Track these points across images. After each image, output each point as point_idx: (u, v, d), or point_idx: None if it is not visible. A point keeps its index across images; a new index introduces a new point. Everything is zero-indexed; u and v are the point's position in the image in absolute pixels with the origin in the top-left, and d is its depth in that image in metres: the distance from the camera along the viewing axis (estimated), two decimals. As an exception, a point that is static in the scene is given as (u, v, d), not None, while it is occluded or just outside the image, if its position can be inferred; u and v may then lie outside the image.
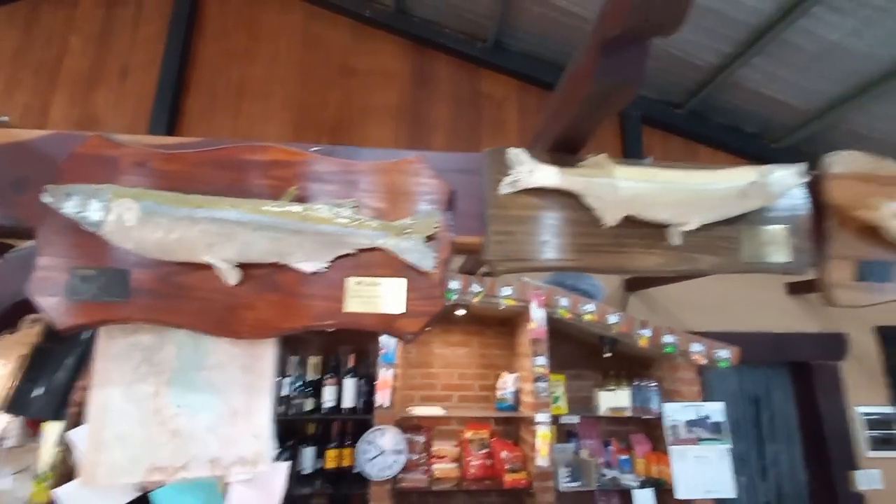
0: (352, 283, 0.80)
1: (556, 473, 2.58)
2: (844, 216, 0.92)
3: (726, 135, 3.77)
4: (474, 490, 2.76)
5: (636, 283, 3.39)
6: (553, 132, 0.89)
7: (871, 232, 0.92)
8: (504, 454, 2.72)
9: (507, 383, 3.00)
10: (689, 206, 0.86)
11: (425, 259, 0.80)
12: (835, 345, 3.43)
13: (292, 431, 2.74)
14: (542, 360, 2.69)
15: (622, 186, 0.87)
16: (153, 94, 3.51)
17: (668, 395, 2.88)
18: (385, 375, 2.56)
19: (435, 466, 2.76)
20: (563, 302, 2.72)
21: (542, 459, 2.50)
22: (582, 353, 3.21)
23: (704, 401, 3.22)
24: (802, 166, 0.91)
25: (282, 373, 2.73)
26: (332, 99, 3.66)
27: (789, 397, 3.50)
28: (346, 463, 2.59)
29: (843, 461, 3.23)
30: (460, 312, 2.95)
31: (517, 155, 0.89)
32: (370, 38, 3.82)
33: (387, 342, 2.60)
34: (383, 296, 0.80)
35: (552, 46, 3.65)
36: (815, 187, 0.95)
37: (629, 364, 3.16)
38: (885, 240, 0.91)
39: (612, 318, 2.70)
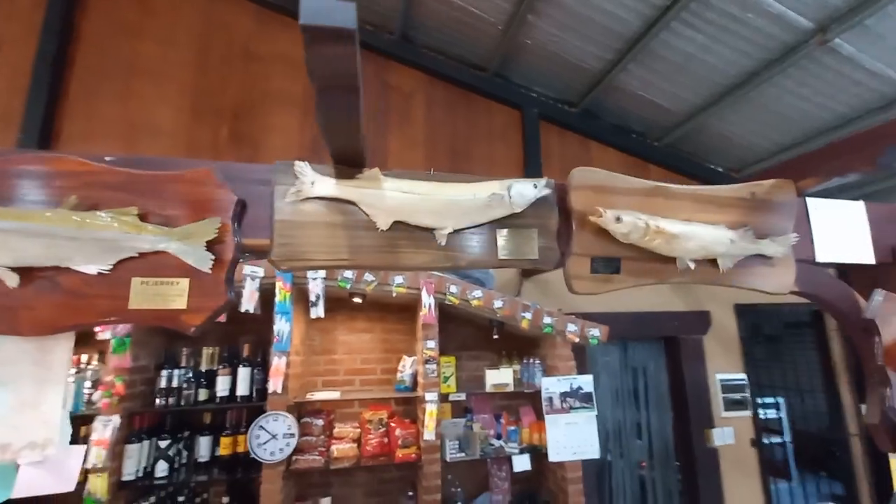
0: (137, 282, 0.91)
1: (443, 446, 2.81)
2: (582, 221, 1.13)
3: (615, 134, 4.11)
4: (371, 466, 2.94)
5: (531, 270, 3.68)
6: (330, 147, 1.02)
7: (604, 233, 1.14)
8: (398, 432, 2.91)
9: (405, 366, 3.18)
10: (444, 213, 1.04)
11: (203, 261, 0.91)
12: (699, 321, 3.92)
13: (187, 422, 2.78)
14: (431, 344, 2.89)
15: (389, 196, 1.02)
16: (30, 70, 3.29)
17: (549, 371, 3.19)
18: (278, 363, 2.65)
19: (334, 447, 2.90)
20: (453, 289, 2.92)
21: (428, 434, 2.72)
22: (480, 336, 3.46)
23: (589, 373, 3.59)
24: (542, 180, 1.11)
25: (173, 365, 2.74)
26: (234, 85, 3.61)
27: (662, 368, 3.96)
28: (241, 449, 2.67)
29: (702, 421, 3.73)
30: (357, 300, 3.08)
31: (301, 168, 1.01)
32: (275, 24, 3.77)
33: (280, 331, 2.69)
34: (166, 294, 0.91)
35: (456, 43, 3.80)
36: (562, 196, 1.16)
37: (521, 344, 3.45)
38: (614, 240, 1.14)
39: (498, 303, 2.94)
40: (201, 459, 2.70)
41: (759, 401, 4.29)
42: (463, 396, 2.94)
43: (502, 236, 1.10)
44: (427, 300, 2.87)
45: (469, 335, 3.43)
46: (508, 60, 3.78)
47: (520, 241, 1.12)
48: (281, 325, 2.69)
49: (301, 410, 2.99)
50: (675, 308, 3.91)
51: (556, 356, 3.12)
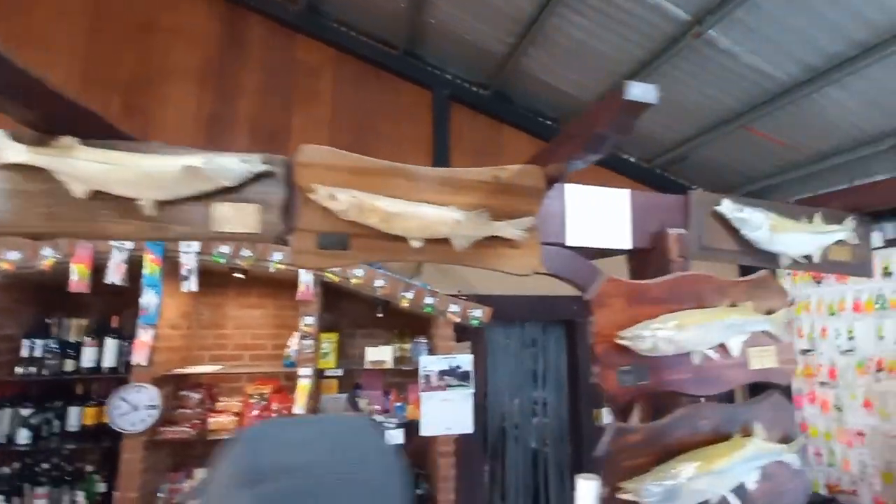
0: None
1: (314, 420, 2.86)
2: (307, 197, 1.15)
3: (529, 120, 4.13)
4: (221, 439, 2.99)
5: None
6: (16, 112, 1.01)
7: (330, 210, 1.16)
8: (274, 406, 2.96)
9: (293, 342, 3.21)
10: (141, 184, 1.04)
11: None
12: (599, 306, 4.03)
13: (58, 392, 2.76)
14: (309, 320, 2.92)
15: (82, 165, 1.02)
16: None
17: (435, 350, 3.26)
18: (144, 336, 2.64)
19: (211, 419, 2.93)
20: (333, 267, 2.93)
21: (297, 408, 2.77)
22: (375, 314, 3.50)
23: (489, 354, 3.68)
24: (257, 156, 1.12)
25: (42, 335, 2.71)
26: (129, 55, 3.48)
27: (562, 350, 4.09)
28: (105, 420, 2.68)
29: (593, 401, 3.88)
30: (240, 276, 3.07)
31: (-8, 135, 1.01)
32: (176, -7, 3.64)
33: (148, 304, 2.67)
34: None
35: (366, 18, 3.73)
36: (288, 172, 1.18)
37: (414, 323, 3.50)
38: (339, 217, 1.17)
39: (379, 282, 2.97)
40: (71, 429, 2.70)
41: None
42: (340, 372, 2.99)
43: (216, 210, 1.11)
44: (305, 277, 2.89)
45: (363, 313, 3.47)
46: (417, 39, 3.74)
47: (239, 216, 1.13)
48: (149, 298, 2.67)
49: (180, 383, 3.00)
50: (576, 292, 4.00)
51: (440, 335, 3.19)
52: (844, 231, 1.61)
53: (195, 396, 2.95)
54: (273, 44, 3.75)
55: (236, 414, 3.04)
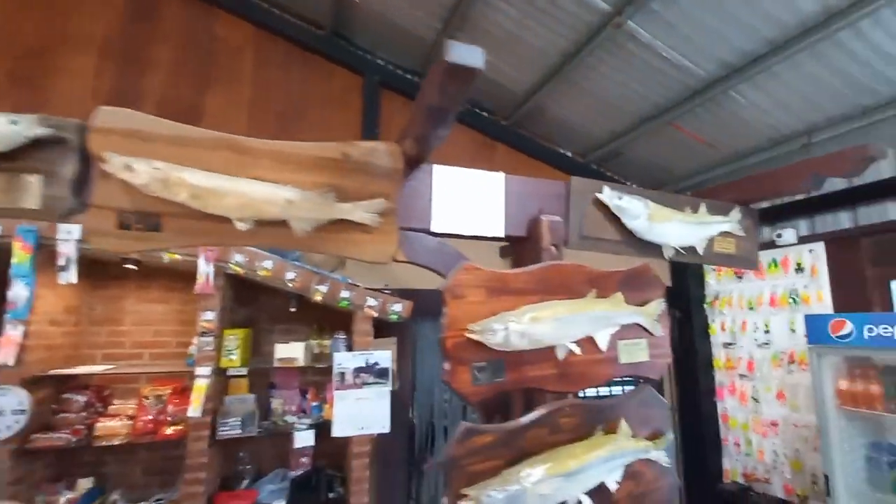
0: None
1: (214, 422, 2.66)
2: (105, 169, 0.99)
3: (465, 111, 4.03)
4: (152, 444, 2.75)
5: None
6: None
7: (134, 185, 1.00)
8: (170, 408, 2.73)
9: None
10: None
11: None
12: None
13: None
14: (209, 315, 2.70)
15: None
16: None
17: (356, 346, 3.11)
18: (11, 333, 2.36)
19: (100, 424, 2.67)
20: (238, 257, 2.73)
21: (193, 411, 2.55)
22: (297, 309, 3.31)
23: (417, 349, 3.56)
24: (31, 117, 0.95)
25: None
26: (31, 21, 3.13)
27: (494, 346, 4.02)
28: (-35, 427, 2.38)
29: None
30: (131, 266, 2.82)
31: None
32: (77, -47, 3.30)
33: (16, 297, 2.39)
34: None
35: (289, -5, 3.52)
36: (82, 139, 1.01)
37: (336, 318, 3.34)
38: (144, 193, 1.01)
39: (290, 275, 2.79)
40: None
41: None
42: (244, 371, 2.79)
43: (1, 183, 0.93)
44: (205, 268, 2.67)
45: (282, 308, 3.27)
46: (345, 20, 3.56)
47: (12, 188, 0.95)
48: (17, 291, 2.39)
49: (63, 385, 2.72)
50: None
51: (358, 331, 3.04)
52: (729, 222, 1.58)
53: (80, 399, 2.67)
54: (189, 17, 3.47)
55: (130, 417, 2.78)
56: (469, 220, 1.30)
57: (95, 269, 2.94)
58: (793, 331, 3.45)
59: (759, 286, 3.74)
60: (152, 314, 3.09)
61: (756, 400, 3.68)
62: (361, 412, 2.85)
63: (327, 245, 1.16)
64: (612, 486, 1.18)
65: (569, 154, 4.34)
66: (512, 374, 1.15)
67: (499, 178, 1.36)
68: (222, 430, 2.66)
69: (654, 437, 1.28)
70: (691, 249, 1.52)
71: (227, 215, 1.04)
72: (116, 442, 2.64)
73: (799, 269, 3.46)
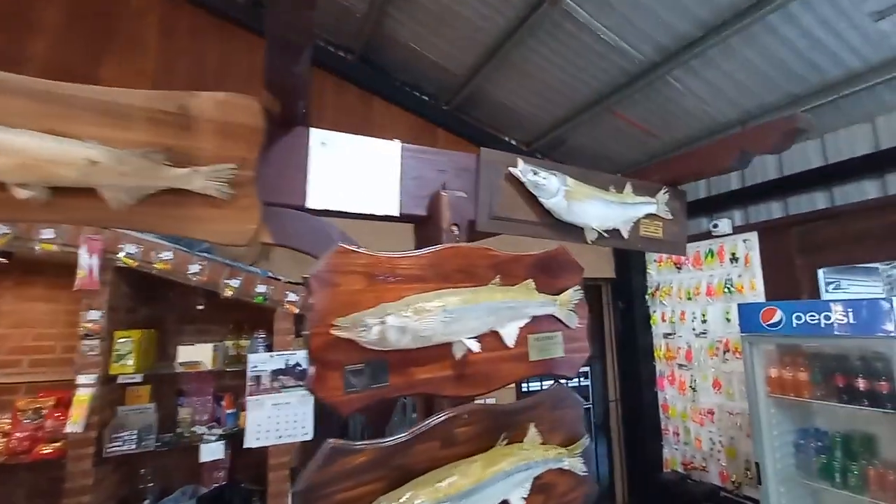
0: None
1: (101, 439, 2.32)
2: None
3: (404, 94, 3.81)
4: (15, 465, 2.37)
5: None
6: None
7: None
8: (48, 423, 2.36)
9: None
10: None
11: None
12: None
13: None
14: (94, 315, 2.35)
15: None
16: None
17: (278, 345, 2.83)
18: None
19: (-38, 445, 2.26)
20: (130, 249, 2.39)
21: (72, 425, 2.20)
22: (212, 307, 2.98)
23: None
24: None
25: None
26: None
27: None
28: None
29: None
30: (1, 259, 2.41)
31: None
32: None
33: None
34: None
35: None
36: None
37: (257, 316, 3.04)
38: None
39: (193, 268, 2.48)
40: None
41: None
42: (139, 378, 2.45)
43: None
44: (88, 261, 2.31)
45: (194, 306, 2.94)
46: (267, -12, 3.23)
47: None
48: None
49: (-87, 401, 2.29)
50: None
51: (279, 329, 2.76)
52: (655, 204, 1.45)
53: (-66, 417, 2.26)
54: (79, -24, 3.03)
55: (4, 434, 2.39)
56: (356, 196, 1.09)
57: (-39, 264, 2.51)
58: (728, 320, 3.48)
59: (696, 276, 3.77)
60: (33, 315, 2.67)
61: (694, 389, 3.71)
62: (280, 419, 2.59)
63: (162, 223, 0.91)
64: (517, 503, 1.01)
65: (513, 142, 4.21)
66: (397, 377, 0.96)
67: (394, 146, 1.15)
68: (112, 446, 2.32)
69: (568, 442, 1.13)
70: (615, 233, 1.39)
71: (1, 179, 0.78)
72: (-14, 465, 2.25)
73: (734, 258, 3.50)
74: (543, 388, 1.50)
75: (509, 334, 1.06)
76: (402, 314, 0.89)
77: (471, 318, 0.98)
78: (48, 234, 2.26)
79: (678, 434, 3.85)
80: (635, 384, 4.05)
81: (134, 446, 2.38)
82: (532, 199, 1.26)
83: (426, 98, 3.89)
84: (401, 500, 0.85)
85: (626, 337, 4.21)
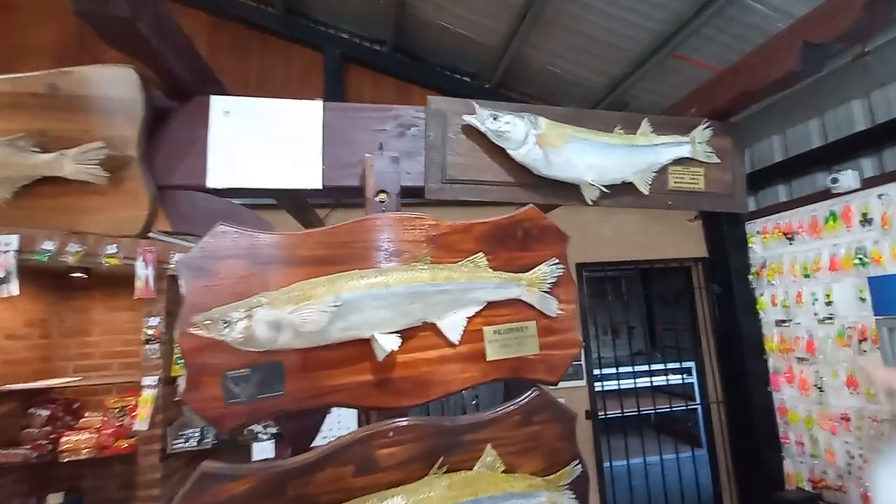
0: None
1: (165, 437, 2.48)
2: None
3: (443, 78, 3.61)
4: (110, 458, 2.64)
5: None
6: None
7: None
8: (127, 421, 2.59)
9: (162, 346, 2.83)
10: None
11: None
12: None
13: None
14: (154, 321, 2.52)
15: None
16: None
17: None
18: (-45, 349, 2.31)
19: (64, 438, 2.59)
20: (177, 257, 2.52)
21: (139, 424, 2.38)
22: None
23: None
24: None
25: None
26: None
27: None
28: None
29: (522, 391, 3.37)
30: (80, 275, 2.71)
31: None
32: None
33: (-42, 313, 2.33)
34: None
35: (237, -25, 3.28)
36: None
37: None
38: None
39: (236, 272, 2.55)
40: None
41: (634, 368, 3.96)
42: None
43: None
44: (144, 271, 2.49)
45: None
46: (298, -5, 3.27)
47: None
48: (-41, 307, 2.33)
49: (28, 400, 2.67)
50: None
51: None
52: (687, 145, 1.07)
53: (42, 414, 2.61)
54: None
55: (96, 430, 2.69)
56: (266, 169, 0.93)
57: (63, 282, 2.89)
58: (862, 300, 2.69)
59: (815, 247, 2.99)
60: (119, 323, 2.99)
61: (820, 389, 2.95)
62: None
63: (46, 216, 0.84)
64: (466, 552, 0.76)
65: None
66: (297, 384, 0.77)
67: (314, 106, 0.96)
68: (176, 443, 2.48)
69: (549, 470, 0.84)
70: (629, 188, 1.04)
71: None
72: (84, 456, 2.55)
73: (866, 220, 2.69)
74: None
75: (450, 327, 0.81)
76: (276, 306, 0.70)
77: (378, 307, 0.75)
78: (111, 249, 2.48)
79: (802, 444, 3.10)
80: (742, 383, 3.36)
81: (195, 444, 2.52)
82: (501, 155, 0.99)
83: (466, 79, 3.65)
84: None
85: (725, 327, 3.52)
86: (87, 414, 2.81)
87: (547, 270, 0.87)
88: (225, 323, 0.69)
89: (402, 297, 0.77)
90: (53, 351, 2.89)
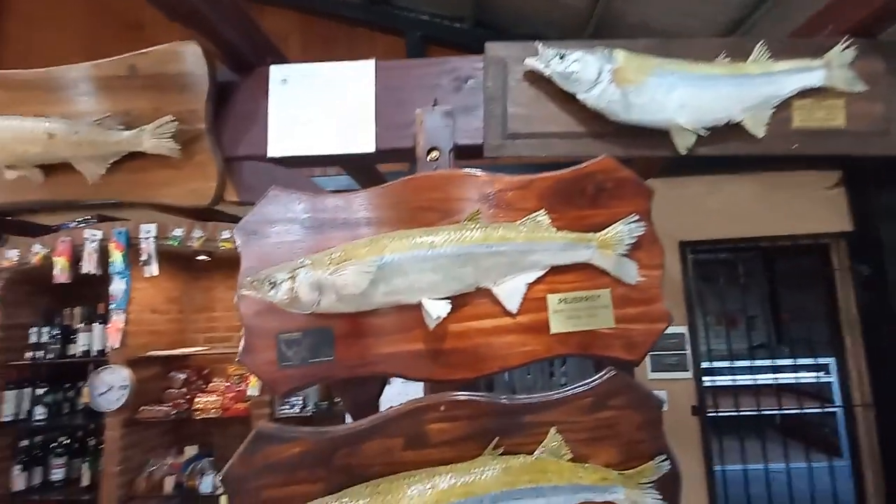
0: None
1: (273, 402, 2.72)
2: None
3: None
4: (220, 418, 2.97)
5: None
6: None
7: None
8: (244, 386, 2.90)
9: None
10: None
11: None
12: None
13: (70, 372, 3.07)
14: (261, 299, 2.77)
15: None
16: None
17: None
18: (115, 321, 2.76)
19: (197, 399, 2.99)
20: (279, 241, 2.73)
21: (252, 389, 2.65)
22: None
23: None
24: None
25: (46, 323, 3.01)
26: None
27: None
28: (99, 398, 2.89)
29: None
30: (203, 258, 3.06)
31: None
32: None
33: (115, 290, 2.79)
34: None
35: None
36: None
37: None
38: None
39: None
40: (80, 407, 2.99)
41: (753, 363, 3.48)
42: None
43: None
44: (251, 254, 2.73)
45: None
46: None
47: None
48: (117, 286, 2.78)
49: (170, 365, 3.12)
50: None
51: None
52: (820, 70, 0.83)
53: (180, 377, 3.03)
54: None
55: (221, 394, 3.06)
56: (321, 136, 0.91)
57: (192, 264, 3.32)
58: None
59: None
60: (237, 301, 3.35)
61: None
62: (410, 395, 2.61)
63: (130, 190, 0.91)
64: (524, 545, 0.67)
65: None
66: (346, 351, 0.74)
67: (366, 66, 0.93)
68: (282, 409, 2.72)
69: (627, 463, 0.71)
70: (733, 131, 0.84)
71: (-11, 165, 0.88)
72: (212, 415, 2.93)
73: None
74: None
75: (507, 294, 0.72)
76: (317, 267, 0.68)
77: (424, 269, 0.69)
78: (225, 234, 2.77)
79: None
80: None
81: (298, 410, 2.75)
82: (570, 101, 0.86)
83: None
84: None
85: (876, 316, 2.87)
86: (214, 379, 3.21)
87: (624, 229, 0.73)
88: (270, 284, 0.68)
89: (452, 260, 0.70)
90: (187, 324, 3.35)
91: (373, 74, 0.92)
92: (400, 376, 0.76)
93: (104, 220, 3.03)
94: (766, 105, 0.83)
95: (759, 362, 3.49)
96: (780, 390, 3.31)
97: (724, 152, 0.87)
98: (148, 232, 2.80)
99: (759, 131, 0.84)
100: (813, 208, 3.06)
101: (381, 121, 0.91)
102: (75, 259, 2.79)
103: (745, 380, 3.47)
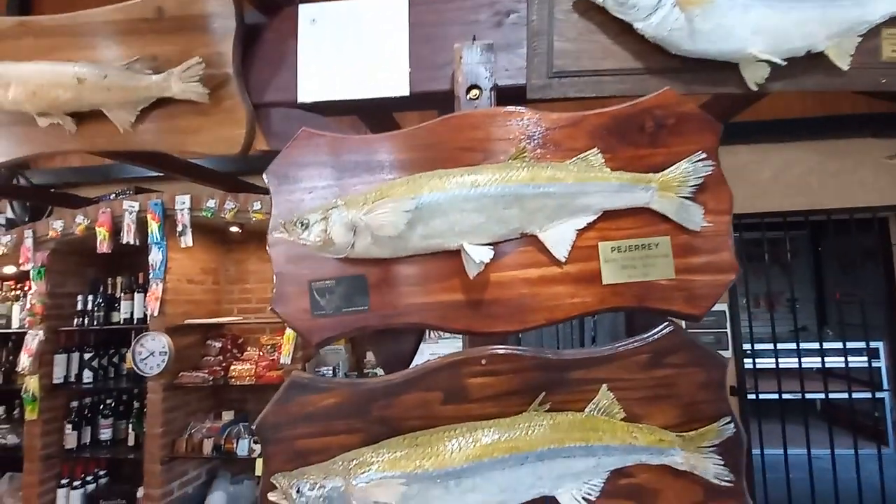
0: None
1: (304, 371, 2.77)
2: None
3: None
4: (255, 385, 3.05)
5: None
6: None
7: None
8: (276, 355, 2.96)
9: (301, 294, 3.16)
10: None
11: None
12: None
13: (117, 339, 3.21)
14: (292, 269, 2.79)
15: None
16: None
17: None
18: (154, 290, 2.85)
19: (232, 367, 3.08)
20: (309, 212, 2.73)
21: (284, 358, 2.70)
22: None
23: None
24: None
25: (92, 290, 3.14)
26: None
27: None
28: (141, 364, 3.01)
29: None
30: (235, 229, 3.10)
31: None
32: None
33: (154, 260, 2.87)
34: None
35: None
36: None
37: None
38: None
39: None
40: (124, 372, 3.14)
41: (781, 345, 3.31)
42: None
43: None
44: (281, 224, 2.75)
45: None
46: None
47: None
48: (154, 256, 2.85)
49: (207, 333, 3.21)
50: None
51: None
52: (922, -14, 0.71)
53: (216, 345, 3.13)
54: None
55: (256, 362, 3.14)
56: (353, 79, 0.86)
57: (225, 236, 3.38)
58: None
59: None
60: (269, 272, 3.39)
61: None
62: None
63: (161, 139, 0.89)
64: (572, 505, 0.63)
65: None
66: (381, 300, 0.70)
67: (399, 2, 0.86)
68: (312, 379, 2.77)
69: (686, 425, 0.65)
70: (812, 62, 0.74)
71: (22, 110, 0.86)
72: (246, 383, 3.02)
73: None
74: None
75: (555, 240, 0.66)
76: (351, 207, 0.63)
77: (466, 210, 0.64)
78: (256, 206, 2.79)
79: None
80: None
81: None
82: (625, 33, 0.77)
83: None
84: (354, 463, 0.61)
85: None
86: (248, 348, 3.30)
87: (689, 168, 0.65)
88: (303, 225, 0.64)
89: (495, 200, 0.64)
90: (222, 295, 3.43)
91: (406, 10, 0.85)
92: (437, 328, 0.72)
93: (140, 192, 3.10)
94: (852, 32, 0.73)
95: (805, 345, 3.31)
96: (826, 374, 3.14)
97: (800, 87, 0.77)
98: (183, 203, 2.84)
99: (844, 63, 0.73)
100: (871, 178, 2.83)
101: (415, 61, 0.85)
102: (115, 230, 2.88)
103: (787, 363, 3.30)
